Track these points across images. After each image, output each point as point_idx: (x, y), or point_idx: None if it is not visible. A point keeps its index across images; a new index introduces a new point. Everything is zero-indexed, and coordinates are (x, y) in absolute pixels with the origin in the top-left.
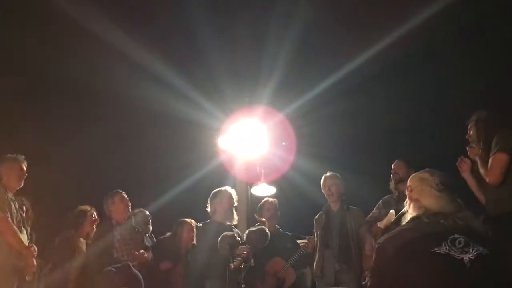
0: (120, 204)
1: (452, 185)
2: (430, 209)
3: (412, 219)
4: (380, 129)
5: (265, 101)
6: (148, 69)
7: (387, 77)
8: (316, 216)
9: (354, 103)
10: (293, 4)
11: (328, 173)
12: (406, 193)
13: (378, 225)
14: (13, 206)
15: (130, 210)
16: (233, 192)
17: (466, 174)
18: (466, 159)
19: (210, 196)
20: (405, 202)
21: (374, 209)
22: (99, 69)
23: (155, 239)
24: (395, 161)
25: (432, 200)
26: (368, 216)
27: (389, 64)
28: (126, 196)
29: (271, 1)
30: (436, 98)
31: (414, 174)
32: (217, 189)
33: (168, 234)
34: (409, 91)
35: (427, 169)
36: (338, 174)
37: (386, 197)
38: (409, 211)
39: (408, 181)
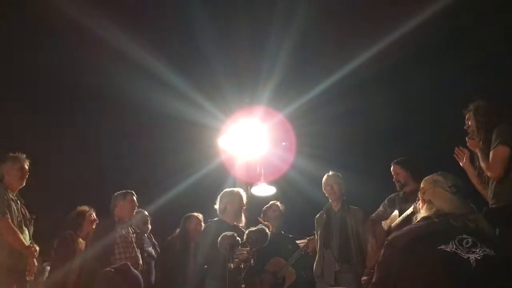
0: (129, 204)
1: (465, 188)
2: (441, 209)
3: (423, 218)
4: (380, 129)
5: (265, 102)
6: (149, 70)
7: (387, 78)
8: (317, 216)
9: (353, 103)
10: (293, 5)
11: (330, 172)
12: (419, 195)
13: (383, 224)
14: (13, 206)
15: (134, 213)
16: (244, 195)
17: (466, 164)
18: (464, 149)
19: (221, 194)
20: (416, 203)
21: (380, 207)
22: (100, 69)
23: (153, 239)
24: (392, 165)
25: (444, 202)
26: (374, 214)
27: (389, 65)
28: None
29: (271, 2)
30: (435, 98)
31: (427, 177)
32: (230, 189)
33: (177, 230)
34: (408, 91)
35: (440, 172)
36: (340, 174)
37: (391, 195)
38: (421, 212)
39: (421, 184)
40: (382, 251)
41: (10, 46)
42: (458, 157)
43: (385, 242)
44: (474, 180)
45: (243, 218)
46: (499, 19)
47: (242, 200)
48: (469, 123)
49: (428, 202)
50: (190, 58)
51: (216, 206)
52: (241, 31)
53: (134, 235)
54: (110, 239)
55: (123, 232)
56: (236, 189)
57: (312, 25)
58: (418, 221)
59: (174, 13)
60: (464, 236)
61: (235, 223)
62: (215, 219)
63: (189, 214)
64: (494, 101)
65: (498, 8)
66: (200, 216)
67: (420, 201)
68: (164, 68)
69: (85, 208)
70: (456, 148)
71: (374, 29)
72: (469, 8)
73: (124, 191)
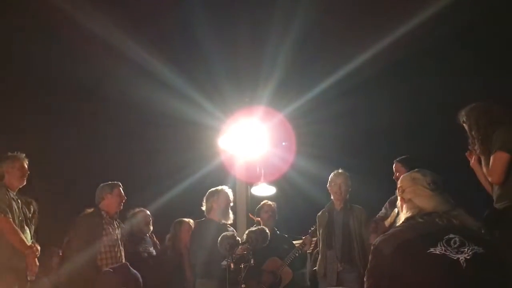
0: (117, 198)
1: (444, 184)
2: (424, 209)
3: (407, 219)
4: (380, 129)
5: (265, 101)
6: (149, 70)
7: (387, 78)
8: (319, 214)
9: (353, 103)
10: (293, 5)
11: (340, 170)
12: (397, 193)
13: (385, 223)
14: (14, 205)
15: (121, 207)
16: (230, 192)
17: (474, 164)
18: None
19: (207, 194)
20: (396, 203)
21: (382, 209)
22: (100, 69)
23: (155, 239)
24: (394, 162)
25: (426, 200)
26: (376, 216)
27: (389, 65)
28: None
29: (271, 2)
30: (435, 98)
31: (404, 174)
32: (214, 188)
33: (168, 236)
34: (409, 91)
35: (417, 169)
36: (347, 173)
37: (392, 197)
38: (403, 212)
39: (399, 182)
40: (370, 257)
41: (10, 46)
42: (469, 158)
43: (372, 248)
44: (482, 179)
45: (230, 215)
46: (500, 18)
47: (228, 198)
48: (468, 131)
49: (408, 201)
50: (190, 58)
51: (203, 208)
52: (241, 31)
53: (119, 230)
54: (96, 237)
55: (110, 229)
56: (220, 187)
57: (312, 25)
58: (402, 222)
59: (174, 13)
60: (451, 235)
61: (223, 221)
62: (202, 219)
63: (180, 219)
64: (483, 102)
65: (499, 7)
66: (191, 221)
67: (399, 201)
68: (164, 68)
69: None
70: (468, 151)
71: (374, 29)
72: (471, 7)
73: (110, 182)
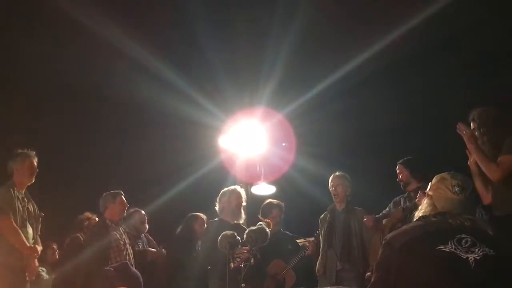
0: (119, 206)
1: (471, 191)
2: (439, 208)
3: (421, 217)
4: (380, 128)
5: (265, 101)
6: (150, 70)
7: (386, 77)
8: (321, 216)
9: (353, 103)
10: (292, 5)
11: (337, 173)
12: (427, 190)
13: (385, 221)
14: (18, 204)
15: (125, 214)
16: (242, 192)
17: (472, 165)
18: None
19: (219, 194)
20: (423, 199)
21: (387, 208)
22: (100, 69)
23: (150, 237)
24: (397, 165)
25: (444, 201)
26: (380, 214)
27: (389, 64)
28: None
29: (271, 3)
30: (436, 98)
31: (440, 174)
32: (226, 188)
33: (179, 229)
34: (408, 90)
35: (452, 171)
36: (347, 175)
37: (396, 198)
38: (420, 208)
39: (433, 179)
40: (380, 250)
41: (10, 46)
42: (463, 133)
43: (383, 242)
44: (478, 182)
45: (242, 215)
46: (499, 18)
47: (240, 197)
48: (476, 130)
49: (429, 197)
50: (191, 58)
51: (217, 208)
52: (241, 32)
53: (126, 235)
54: (105, 244)
55: (117, 235)
56: (232, 187)
57: (312, 25)
58: (416, 220)
59: (174, 13)
60: (463, 235)
61: (235, 222)
62: (215, 219)
63: (194, 214)
64: (494, 107)
65: (498, 8)
66: (205, 217)
67: (426, 197)
68: (165, 68)
69: (89, 214)
70: (459, 123)
71: (373, 28)
72: (469, 7)
73: (112, 192)
